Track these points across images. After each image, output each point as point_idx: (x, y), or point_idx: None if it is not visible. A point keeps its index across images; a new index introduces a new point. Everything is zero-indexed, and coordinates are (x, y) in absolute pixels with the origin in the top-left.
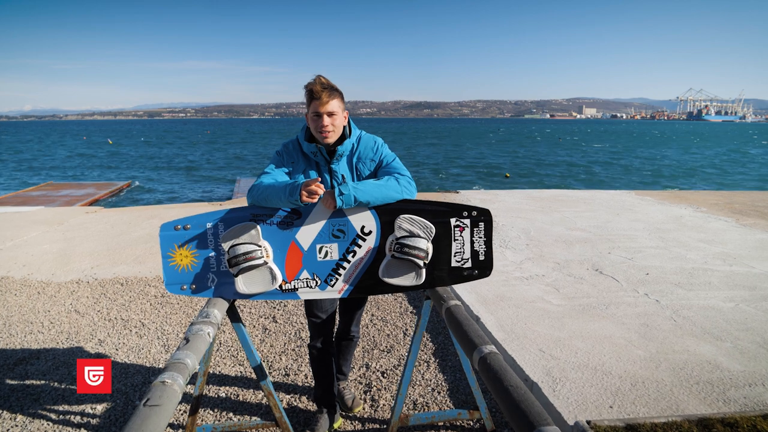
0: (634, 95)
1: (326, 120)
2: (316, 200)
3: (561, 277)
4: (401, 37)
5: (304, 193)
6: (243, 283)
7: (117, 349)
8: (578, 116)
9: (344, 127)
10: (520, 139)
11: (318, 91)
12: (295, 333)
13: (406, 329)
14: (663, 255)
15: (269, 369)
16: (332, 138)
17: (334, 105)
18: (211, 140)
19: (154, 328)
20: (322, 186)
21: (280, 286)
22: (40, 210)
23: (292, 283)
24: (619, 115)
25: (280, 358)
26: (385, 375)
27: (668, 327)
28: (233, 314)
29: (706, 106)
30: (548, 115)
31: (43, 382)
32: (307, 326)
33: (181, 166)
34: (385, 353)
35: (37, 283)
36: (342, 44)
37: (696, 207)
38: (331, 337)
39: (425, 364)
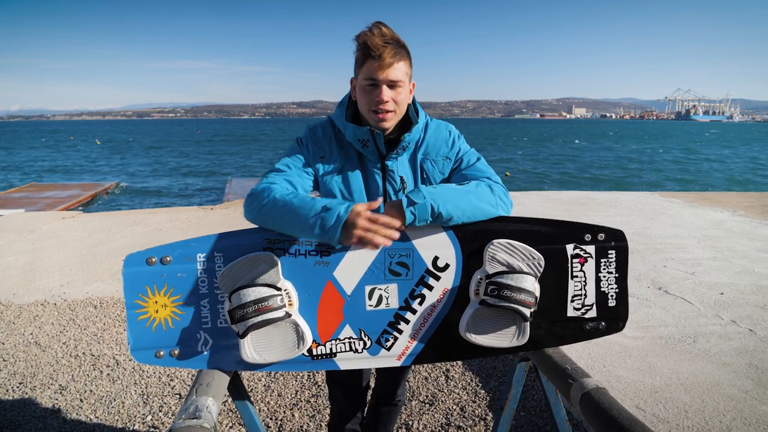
0: (623, 95)
1: (386, 92)
2: (377, 245)
3: None
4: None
5: (356, 232)
6: (253, 347)
7: (82, 400)
8: (568, 116)
9: (408, 106)
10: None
11: (377, 45)
12: (310, 376)
13: (447, 369)
14: (727, 268)
15: (278, 428)
16: (391, 121)
17: (399, 70)
18: (201, 140)
19: (131, 369)
20: (395, 222)
21: (309, 351)
22: (12, 214)
23: (328, 345)
24: (608, 114)
25: (292, 414)
26: None
27: None
28: (236, 390)
29: (694, 106)
30: (538, 115)
31: None
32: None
33: (169, 166)
34: (427, 406)
35: None
36: (339, 44)
37: (732, 210)
38: (364, 405)
39: (481, 422)
